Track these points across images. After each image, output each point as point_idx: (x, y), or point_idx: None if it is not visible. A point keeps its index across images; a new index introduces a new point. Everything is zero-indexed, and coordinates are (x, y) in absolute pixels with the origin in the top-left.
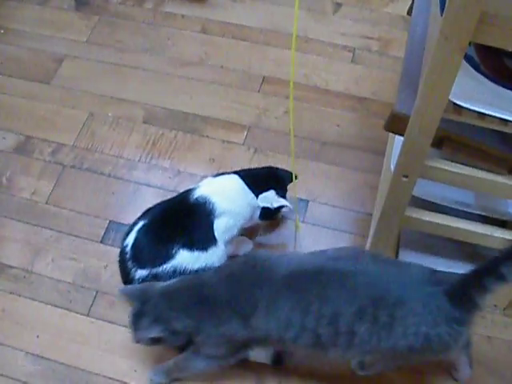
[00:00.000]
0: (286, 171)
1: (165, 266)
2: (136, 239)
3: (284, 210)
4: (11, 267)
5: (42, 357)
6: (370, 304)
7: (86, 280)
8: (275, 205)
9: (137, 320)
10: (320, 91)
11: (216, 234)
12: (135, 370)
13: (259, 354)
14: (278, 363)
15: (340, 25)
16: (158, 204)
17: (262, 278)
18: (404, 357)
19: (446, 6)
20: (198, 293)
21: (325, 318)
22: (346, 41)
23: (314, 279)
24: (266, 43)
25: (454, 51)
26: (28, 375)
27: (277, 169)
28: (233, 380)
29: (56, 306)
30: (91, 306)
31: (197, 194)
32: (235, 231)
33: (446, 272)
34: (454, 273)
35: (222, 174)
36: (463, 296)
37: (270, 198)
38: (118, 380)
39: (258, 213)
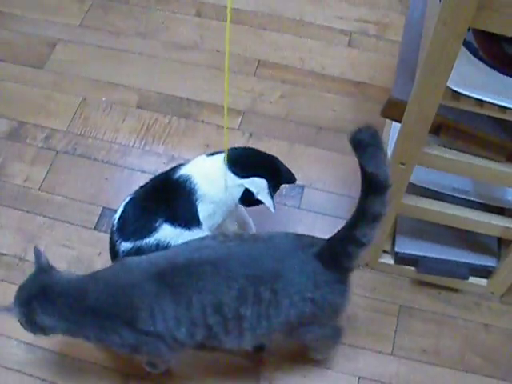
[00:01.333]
0: (289, 171)
1: (148, 240)
2: (122, 212)
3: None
4: (3, 255)
5: (35, 345)
6: (249, 284)
7: (80, 267)
8: (259, 197)
9: (19, 292)
10: (316, 75)
11: (200, 217)
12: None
13: None
14: (259, 349)
15: (336, 8)
16: (150, 180)
17: (136, 281)
18: (303, 327)
19: None
20: (79, 302)
21: (209, 308)
22: (343, 24)
23: (186, 273)
24: (262, 27)
25: (452, 37)
26: (21, 364)
27: (281, 163)
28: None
29: None
30: None
31: (181, 171)
32: (220, 216)
33: (309, 236)
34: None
35: (218, 152)
36: (333, 260)
37: (258, 186)
38: (115, 370)
39: (238, 193)
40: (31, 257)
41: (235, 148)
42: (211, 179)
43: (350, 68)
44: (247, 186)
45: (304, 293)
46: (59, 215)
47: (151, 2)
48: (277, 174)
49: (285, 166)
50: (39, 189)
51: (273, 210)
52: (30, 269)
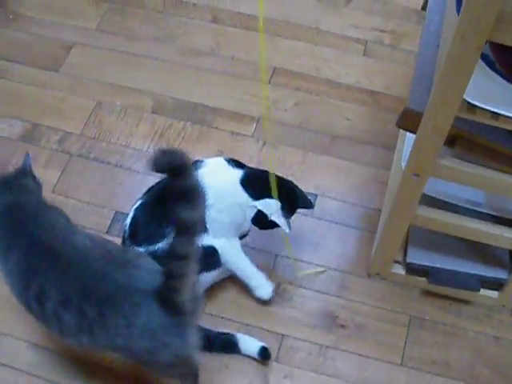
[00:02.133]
0: (305, 196)
1: (160, 245)
2: (133, 218)
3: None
4: None
5: (44, 347)
6: (78, 296)
7: None
8: (273, 218)
9: None
10: (331, 84)
11: (207, 224)
12: None
13: (247, 349)
14: (266, 357)
15: (352, 17)
16: (157, 183)
17: None
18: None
19: (464, 4)
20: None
21: (37, 294)
22: (358, 33)
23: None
24: (278, 34)
25: (470, 50)
26: (30, 365)
27: (296, 187)
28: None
29: None
30: None
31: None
32: (225, 228)
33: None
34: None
35: (236, 162)
36: (167, 300)
37: (271, 208)
38: (121, 372)
39: (251, 214)
40: None
41: (252, 168)
42: (222, 194)
43: (364, 77)
44: (260, 207)
45: (136, 337)
46: (72, 218)
47: (168, 7)
48: (292, 197)
49: (301, 190)
50: (52, 191)
51: (287, 231)
52: None
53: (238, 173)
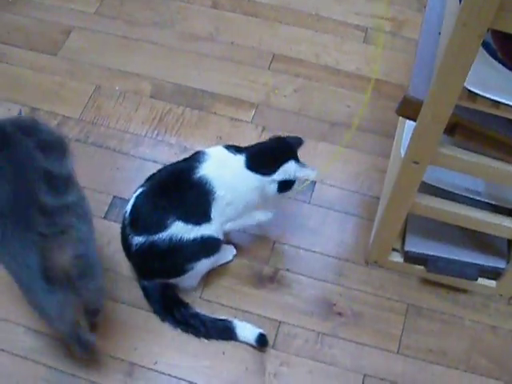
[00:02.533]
0: (294, 137)
1: (161, 235)
2: (134, 206)
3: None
4: None
5: (42, 332)
6: None
7: None
8: (298, 174)
9: None
10: (331, 71)
11: (212, 215)
12: (135, 349)
13: (244, 336)
14: (263, 344)
15: (353, 4)
16: (159, 171)
17: None
18: None
19: None
20: None
21: None
22: (359, 20)
23: None
24: (278, 20)
25: (471, 38)
26: (28, 350)
27: (284, 138)
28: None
29: None
30: None
31: (200, 172)
32: (238, 213)
33: None
34: None
35: (235, 147)
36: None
37: (291, 170)
38: (118, 358)
39: (274, 188)
40: None
41: (250, 149)
42: (233, 185)
43: (364, 64)
44: (281, 177)
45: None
46: None
47: None
48: (293, 149)
49: (289, 137)
50: None
51: (315, 173)
52: None
53: (241, 159)
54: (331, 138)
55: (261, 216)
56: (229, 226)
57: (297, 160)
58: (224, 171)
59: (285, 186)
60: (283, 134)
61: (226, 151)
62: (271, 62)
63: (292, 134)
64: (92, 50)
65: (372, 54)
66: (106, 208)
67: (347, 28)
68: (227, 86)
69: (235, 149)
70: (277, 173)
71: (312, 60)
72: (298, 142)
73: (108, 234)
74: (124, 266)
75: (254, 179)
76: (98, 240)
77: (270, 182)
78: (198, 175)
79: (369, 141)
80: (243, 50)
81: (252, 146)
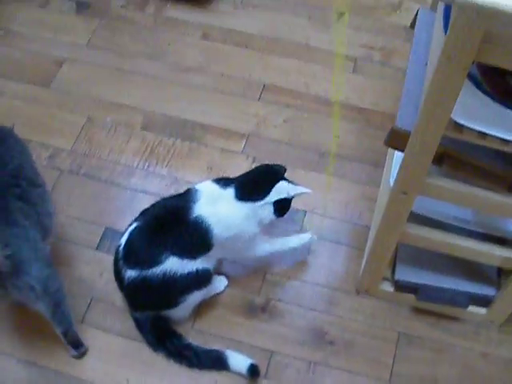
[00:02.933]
0: (277, 165)
1: (154, 270)
2: (128, 240)
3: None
4: None
5: (34, 363)
6: None
7: (81, 287)
8: (292, 193)
9: None
10: (320, 101)
11: (213, 250)
12: (128, 380)
13: (236, 366)
14: (255, 374)
15: (342, 34)
16: (152, 206)
17: None
18: None
19: (450, 24)
20: None
21: None
22: (348, 50)
23: None
24: (268, 51)
25: (456, 70)
26: (19, 381)
27: (269, 164)
28: None
29: None
30: (85, 313)
31: (196, 212)
32: (246, 247)
33: None
34: None
35: (224, 181)
36: None
37: (284, 188)
38: None
39: (269, 211)
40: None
41: (237, 179)
42: (228, 222)
43: (354, 94)
44: (275, 198)
45: None
46: (61, 234)
47: (158, 23)
48: (279, 172)
49: (274, 165)
50: None
51: (309, 190)
52: None
53: (230, 192)
54: (321, 167)
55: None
56: (261, 251)
57: (287, 180)
58: (217, 208)
59: (281, 207)
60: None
61: (216, 186)
62: (261, 93)
63: (282, 164)
64: (84, 82)
65: (361, 83)
66: (98, 239)
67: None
68: (218, 116)
69: (224, 182)
70: (270, 195)
71: (302, 90)
72: (281, 169)
73: (100, 264)
74: (116, 296)
75: (245, 209)
76: (90, 270)
77: (264, 207)
78: (194, 215)
79: (358, 170)
80: (233, 81)
81: (240, 176)
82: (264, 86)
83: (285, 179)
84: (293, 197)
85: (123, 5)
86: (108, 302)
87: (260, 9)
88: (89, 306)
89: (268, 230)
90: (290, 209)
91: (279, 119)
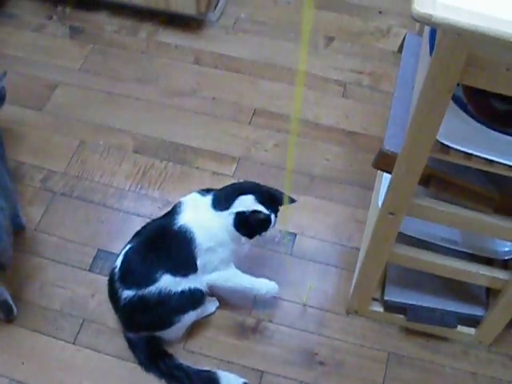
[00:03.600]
0: (277, 190)
1: (150, 288)
2: (124, 261)
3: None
4: None
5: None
6: None
7: (74, 308)
8: (250, 209)
9: None
10: (310, 125)
11: (198, 264)
12: None
13: None
14: None
15: (332, 59)
16: (144, 227)
17: None
18: None
19: (435, 47)
20: None
21: None
22: (338, 75)
23: None
24: (258, 76)
25: (441, 92)
26: None
27: (266, 186)
28: None
29: (42, 333)
30: (78, 333)
31: (180, 221)
32: (218, 263)
33: None
34: None
35: (207, 190)
36: None
37: (247, 202)
38: None
39: (230, 222)
40: (25, 296)
41: (221, 188)
42: (205, 227)
43: (343, 118)
44: (235, 209)
45: None
46: (54, 256)
47: (151, 48)
48: (263, 191)
49: (273, 189)
50: (35, 229)
51: (272, 221)
52: (24, 308)
53: (208, 199)
54: (311, 191)
55: (264, 286)
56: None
57: (262, 202)
58: (198, 216)
59: (241, 221)
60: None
61: (198, 195)
62: (252, 117)
63: (273, 188)
64: (77, 106)
65: (351, 108)
66: (91, 261)
67: (326, 83)
68: (209, 140)
69: (206, 191)
70: (233, 206)
71: (292, 115)
72: (277, 193)
73: (92, 286)
74: (109, 317)
75: (218, 217)
76: (83, 292)
77: (228, 215)
78: (178, 225)
79: (348, 193)
80: (225, 105)
81: (223, 187)
82: (255, 110)
83: (257, 195)
84: (256, 219)
85: (116, 30)
86: (100, 322)
87: (251, 34)
88: (81, 327)
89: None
90: (278, 232)
91: (270, 143)
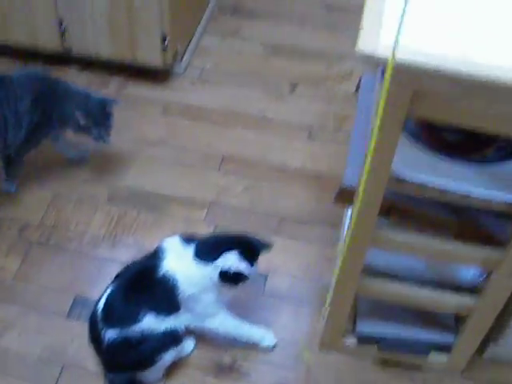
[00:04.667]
0: (259, 239)
1: (134, 328)
2: (107, 302)
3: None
4: None
5: None
6: None
7: (53, 354)
8: (233, 269)
9: None
10: (278, 169)
11: (181, 309)
12: None
13: None
14: None
15: (296, 104)
16: (126, 269)
17: None
18: None
19: (384, 84)
20: None
21: None
22: (303, 119)
23: None
24: (225, 124)
25: (391, 126)
26: None
27: (247, 235)
28: None
29: (23, 379)
30: (57, 379)
31: (164, 268)
32: (202, 307)
33: None
34: None
35: (189, 237)
36: None
37: (229, 260)
38: None
39: (215, 275)
40: (5, 344)
41: (201, 238)
42: (188, 275)
43: (310, 160)
44: (220, 265)
45: None
46: (33, 304)
47: (120, 100)
48: (246, 242)
49: (254, 238)
50: (13, 278)
51: (252, 276)
52: (4, 356)
53: (192, 249)
54: (281, 232)
55: (261, 336)
56: (223, 327)
57: (246, 254)
58: (181, 264)
59: (226, 275)
60: (235, 230)
61: (180, 242)
62: (221, 164)
63: (244, 231)
64: (50, 159)
65: (317, 149)
66: (68, 307)
67: (292, 127)
68: (180, 188)
69: (189, 239)
70: (217, 260)
71: (260, 159)
72: (263, 245)
73: (71, 332)
74: (89, 361)
75: (201, 268)
76: (62, 338)
77: (212, 270)
78: (162, 272)
79: (317, 232)
80: (194, 153)
81: (205, 236)
82: (223, 156)
83: (241, 250)
84: (236, 274)
85: (86, 84)
86: (80, 367)
87: (217, 84)
88: (61, 373)
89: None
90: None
91: (239, 188)
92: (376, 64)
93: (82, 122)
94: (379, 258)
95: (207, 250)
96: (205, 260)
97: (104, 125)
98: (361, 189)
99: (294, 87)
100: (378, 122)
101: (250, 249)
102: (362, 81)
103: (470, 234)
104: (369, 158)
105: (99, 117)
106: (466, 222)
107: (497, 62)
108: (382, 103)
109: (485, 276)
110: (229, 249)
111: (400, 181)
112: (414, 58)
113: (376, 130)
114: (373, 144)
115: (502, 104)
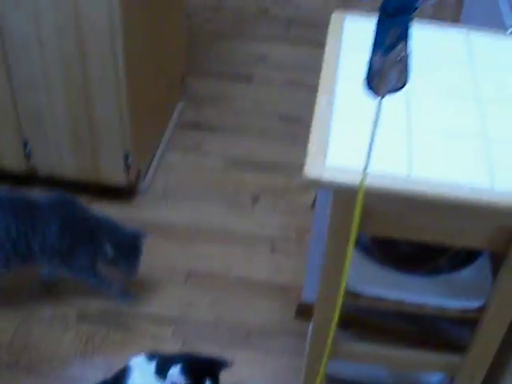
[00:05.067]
0: (216, 358)
1: None
2: None
3: None
4: None
5: None
6: None
7: None
8: (178, 382)
9: None
10: (242, 282)
11: None
12: None
13: None
14: None
15: (259, 216)
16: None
17: None
18: None
19: (332, 204)
20: None
21: None
22: (266, 231)
23: None
24: (190, 239)
25: (343, 243)
26: None
27: (197, 356)
28: None
29: None
30: None
31: None
32: None
33: None
34: None
35: (153, 355)
36: None
37: (173, 375)
38: None
39: None
40: None
41: (166, 355)
42: None
43: (274, 272)
44: (169, 382)
45: None
46: None
47: None
48: (195, 361)
49: (212, 358)
50: None
51: None
52: None
53: (152, 366)
54: (248, 344)
55: None
56: None
57: (188, 369)
58: (144, 382)
59: None
60: (202, 345)
61: (145, 360)
62: (187, 279)
63: (212, 346)
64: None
65: (281, 261)
66: None
67: (255, 240)
68: (146, 304)
69: (152, 356)
70: (168, 376)
71: (224, 273)
72: (220, 364)
73: None
74: None
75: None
76: None
77: None
78: None
79: (284, 343)
80: (159, 269)
81: (169, 355)
82: (188, 272)
83: (184, 365)
84: None
85: None
86: None
87: (180, 199)
88: None
89: None
90: None
91: (205, 302)
92: (322, 186)
93: (110, 254)
94: (343, 367)
95: (162, 367)
96: (161, 377)
97: (133, 259)
98: (318, 304)
99: (255, 200)
100: (330, 240)
101: (200, 365)
102: (318, 196)
103: (431, 341)
104: (324, 274)
105: (129, 250)
106: (425, 329)
107: (439, 179)
108: (331, 222)
109: (448, 381)
110: (174, 365)
111: (356, 295)
112: (358, 179)
113: (329, 247)
114: (326, 260)
115: (445, 219)
